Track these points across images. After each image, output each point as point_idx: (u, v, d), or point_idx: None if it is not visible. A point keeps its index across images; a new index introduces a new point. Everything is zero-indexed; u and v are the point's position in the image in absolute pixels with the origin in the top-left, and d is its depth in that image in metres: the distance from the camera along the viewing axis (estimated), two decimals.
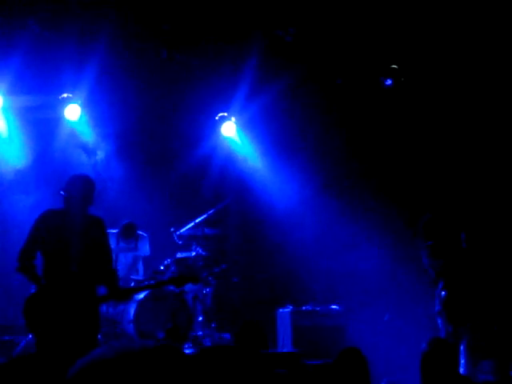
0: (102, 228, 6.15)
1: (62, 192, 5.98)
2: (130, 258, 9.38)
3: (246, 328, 5.00)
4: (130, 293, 6.61)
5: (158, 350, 1.38)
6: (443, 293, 7.53)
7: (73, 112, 9.61)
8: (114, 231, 9.07)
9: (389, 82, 10.06)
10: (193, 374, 1.38)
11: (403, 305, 9.84)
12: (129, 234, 9.18)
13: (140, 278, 8.99)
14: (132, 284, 8.80)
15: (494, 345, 8.39)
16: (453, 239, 7.65)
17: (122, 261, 9.29)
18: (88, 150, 9.99)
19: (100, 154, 10.03)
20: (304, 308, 9.38)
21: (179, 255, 9.14)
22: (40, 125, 9.77)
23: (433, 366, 4.51)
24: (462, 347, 7.42)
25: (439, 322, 7.61)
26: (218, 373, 1.38)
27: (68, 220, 5.95)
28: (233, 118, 10.47)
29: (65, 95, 9.55)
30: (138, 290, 7.70)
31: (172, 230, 9.33)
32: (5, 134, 9.63)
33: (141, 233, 9.47)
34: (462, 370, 7.15)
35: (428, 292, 8.00)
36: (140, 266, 9.44)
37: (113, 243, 8.96)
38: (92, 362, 1.35)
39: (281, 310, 9.46)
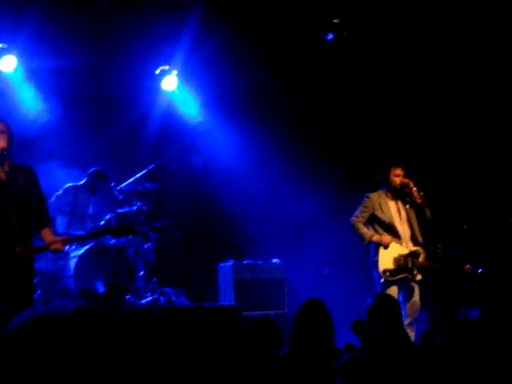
0: (33, 175, 5.85)
1: None
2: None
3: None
4: (65, 243, 6.26)
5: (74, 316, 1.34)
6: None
7: (8, 63, 9.29)
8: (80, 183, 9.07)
9: (330, 36, 10.07)
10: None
11: (342, 258, 10.03)
12: (104, 177, 9.11)
13: (80, 233, 8.85)
14: None
15: (431, 295, 8.65)
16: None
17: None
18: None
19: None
20: (245, 262, 9.48)
21: (120, 210, 9.06)
22: None
23: (379, 320, 4.64)
24: (400, 298, 7.63)
25: (374, 273, 7.78)
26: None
27: None
28: (174, 72, 10.31)
29: None
30: (73, 240, 7.49)
31: (112, 184, 9.24)
32: None
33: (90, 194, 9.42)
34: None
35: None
36: None
37: (85, 196, 8.95)
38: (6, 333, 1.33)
39: (222, 264, 9.54)
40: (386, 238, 7.68)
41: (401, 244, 7.74)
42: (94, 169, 9.15)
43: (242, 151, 10.55)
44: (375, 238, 7.70)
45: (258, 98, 10.54)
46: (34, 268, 5.94)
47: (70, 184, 9.11)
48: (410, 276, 7.67)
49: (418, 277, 7.72)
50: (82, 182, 9.17)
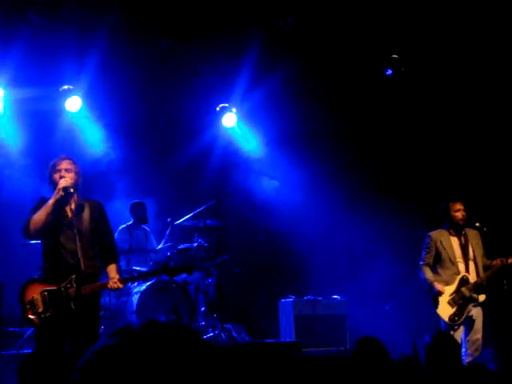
0: (101, 210, 6.02)
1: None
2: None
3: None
4: (123, 282, 6.26)
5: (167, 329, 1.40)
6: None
7: (73, 104, 9.54)
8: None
9: (389, 71, 10.07)
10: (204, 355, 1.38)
11: (404, 294, 9.87)
12: (142, 205, 9.49)
13: (143, 269, 8.95)
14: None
15: (495, 333, 8.43)
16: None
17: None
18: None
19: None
20: (305, 298, 9.44)
21: (181, 246, 9.15)
22: (40, 116, 9.66)
23: (437, 358, 4.53)
24: (463, 336, 7.46)
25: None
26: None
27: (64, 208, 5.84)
28: (234, 109, 10.46)
29: (65, 87, 9.49)
30: (130, 279, 7.55)
31: (169, 220, 9.34)
32: (5, 124, 9.53)
33: (145, 227, 9.58)
34: (463, 360, 7.18)
35: None
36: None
37: (140, 232, 9.35)
38: (98, 351, 1.37)
39: (283, 300, 9.51)
40: (440, 287, 7.56)
41: (452, 283, 7.60)
42: (130, 203, 9.54)
43: (301, 186, 10.56)
44: (435, 285, 7.59)
45: (316, 132, 10.56)
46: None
47: (123, 225, 9.38)
48: (474, 304, 7.51)
49: (482, 297, 7.55)
50: (131, 222, 9.48)
